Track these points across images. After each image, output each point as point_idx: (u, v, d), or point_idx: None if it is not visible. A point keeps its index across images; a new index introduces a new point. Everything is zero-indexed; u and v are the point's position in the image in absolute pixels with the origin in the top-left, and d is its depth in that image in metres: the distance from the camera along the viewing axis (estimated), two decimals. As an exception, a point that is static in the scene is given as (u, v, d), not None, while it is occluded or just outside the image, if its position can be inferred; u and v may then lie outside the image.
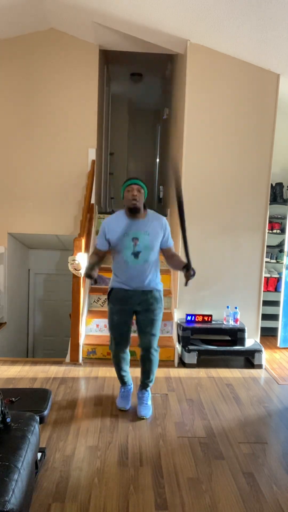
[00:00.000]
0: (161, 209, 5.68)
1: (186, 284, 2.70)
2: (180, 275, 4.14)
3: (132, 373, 3.18)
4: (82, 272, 3.76)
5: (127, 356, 3.02)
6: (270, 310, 4.81)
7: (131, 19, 3.87)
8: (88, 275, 2.72)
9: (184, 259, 2.71)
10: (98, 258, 2.90)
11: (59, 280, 6.00)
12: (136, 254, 2.77)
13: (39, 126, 4.76)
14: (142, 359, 2.98)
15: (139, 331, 2.93)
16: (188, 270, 2.64)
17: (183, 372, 3.74)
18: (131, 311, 2.88)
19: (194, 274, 2.66)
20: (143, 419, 2.90)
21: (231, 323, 4.09)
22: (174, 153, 2.86)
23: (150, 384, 3.06)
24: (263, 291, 4.48)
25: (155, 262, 2.87)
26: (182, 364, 3.91)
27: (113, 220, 2.87)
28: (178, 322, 4.12)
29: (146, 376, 3.00)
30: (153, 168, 8.37)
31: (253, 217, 4.22)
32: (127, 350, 3.00)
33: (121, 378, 3.09)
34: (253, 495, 2.14)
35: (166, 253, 2.91)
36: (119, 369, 3.05)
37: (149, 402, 3.04)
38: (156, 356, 2.95)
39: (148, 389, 3.07)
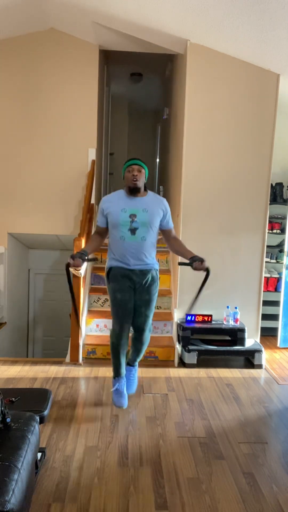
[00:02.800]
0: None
1: (181, 264, 2.84)
2: (180, 276, 4.14)
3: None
4: (82, 272, 3.76)
5: (127, 340, 2.96)
6: (270, 310, 4.80)
7: (131, 19, 3.86)
8: (76, 256, 2.68)
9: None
10: (97, 242, 2.93)
11: (59, 280, 5.99)
12: (133, 230, 2.77)
13: (39, 126, 4.76)
14: (134, 340, 2.97)
15: (133, 312, 2.91)
16: (198, 261, 2.70)
17: (183, 372, 3.74)
18: (132, 288, 2.86)
19: (205, 268, 2.72)
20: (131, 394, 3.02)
21: (231, 323, 4.09)
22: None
23: (138, 360, 3.15)
24: (263, 291, 4.48)
25: (152, 243, 2.88)
26: (182, 364, 3.91)
27: (110, 197, 2.92)
28: (178, 322, 4.12)
29: (136, 354, 3.07)
30: (153, 168, 8.37)
31: (253, 217, 4.22)
32: (128, 334, 2.95)
33: (117, 367, 3.02)
34: (253, 495, 2.14)
35: (167, 234, 2.95)
36: (117, 356, 2.96)
37: (136, 376, 3.15)
38: (148, 336, 3.01)
39: (136, 364, 3.16)
